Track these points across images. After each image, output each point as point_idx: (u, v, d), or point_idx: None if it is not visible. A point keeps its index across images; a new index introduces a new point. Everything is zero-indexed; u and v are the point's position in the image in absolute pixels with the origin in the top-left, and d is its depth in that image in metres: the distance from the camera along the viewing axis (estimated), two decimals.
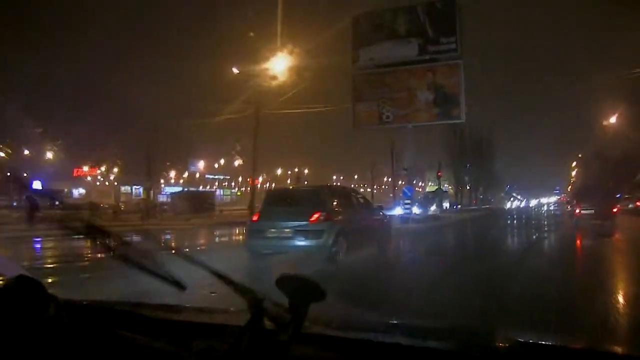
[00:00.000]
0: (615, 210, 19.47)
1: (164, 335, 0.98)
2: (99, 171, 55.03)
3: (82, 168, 54.89)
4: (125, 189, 64.46)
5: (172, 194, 44.26)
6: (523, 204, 48.58)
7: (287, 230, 8.71)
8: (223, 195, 73.30)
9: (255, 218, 9.78)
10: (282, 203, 9.56)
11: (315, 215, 8.74)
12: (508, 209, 39.04)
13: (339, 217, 9.08)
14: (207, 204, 36.87)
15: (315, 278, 0.93)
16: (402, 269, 8.70)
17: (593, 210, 18.98)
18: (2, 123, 21.44)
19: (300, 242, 8.60)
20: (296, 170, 66.71)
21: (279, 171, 71.98)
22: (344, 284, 6.34)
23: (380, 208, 12.24)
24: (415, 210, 30.14)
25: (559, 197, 38.68)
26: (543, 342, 1.04)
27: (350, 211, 9.75)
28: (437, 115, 25.01)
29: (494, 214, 34.71)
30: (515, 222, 25.72)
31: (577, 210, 20.03)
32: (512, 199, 59.25)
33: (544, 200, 61.04)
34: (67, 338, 0.84)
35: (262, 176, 63.18)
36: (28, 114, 21.62)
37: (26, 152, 39.09)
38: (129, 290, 3.64)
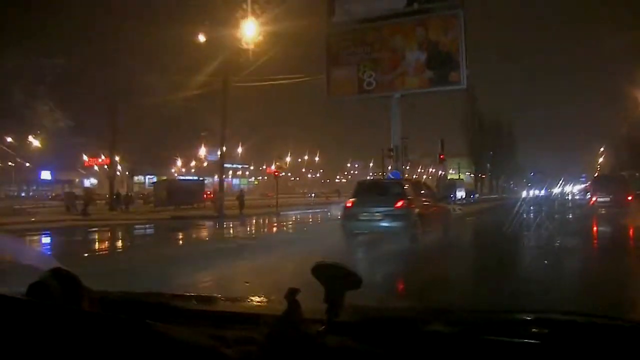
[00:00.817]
0: (630, 198, 20.73)
1: (198, 326, 1.00)
2: (101, 159, 52.22)
3: (96, 157, 52.63)
4: (138, 178, 63.04)
5: (153, 183, 40.63)
6: (543, 192, 43.37)
7: (377, 214, 10.71)
8: (240, 184, 71.24)
9: (349, 205, 11.37)
10: (371, 192, 11.77)
11: (400, 202, 10.70)
12: (524, 198, 35.57)
13: (416, 204, 11.03)
14: (197, 194, 33.61)
15: (351, 266, 0.94)
16: (462, 249, 10.26)
17: (609, 199, 20.85)
18: (10, 110, 20.27)
19: (387, 224, 10.57)
20: (306, 157, 64.21)
21: (289, 159, 68.69)
22: (423, 258, 8.51)
23: (473, 194, 20.96)
24: None
25: (585, 185, 35.84)
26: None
27: (423, 199, 11.76)
28: (430, 80, 19.88)
29: (506, 204, 29.02)
30: (528, 215, 18.79)
31: (594, 199, 22.08)
32: (528, 187, 55.84)
33: (568, 188, 57.71)
34: (101, 330, 0.84)
35: (274, 164, 61.20)
36: (36, 101, 19.13)
37: (35, 142, 37.02)
38: None
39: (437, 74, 19.57)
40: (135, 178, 61.54)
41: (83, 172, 55.64)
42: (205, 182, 48.05)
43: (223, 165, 25.65)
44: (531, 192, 46.32)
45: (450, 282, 5.87)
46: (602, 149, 61.76)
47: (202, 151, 55.77)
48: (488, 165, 58.41)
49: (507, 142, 60.26)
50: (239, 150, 49.29)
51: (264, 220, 22.86)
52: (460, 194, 41.35)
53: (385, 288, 5.42)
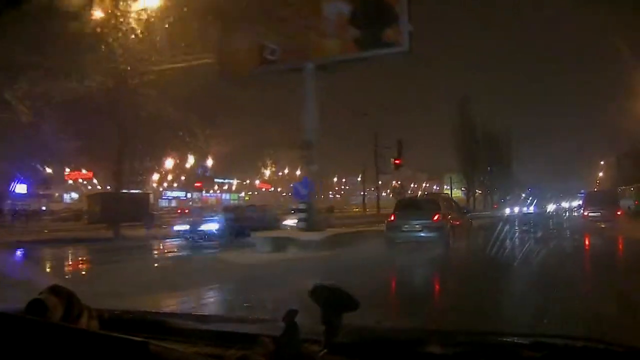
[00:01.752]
0: (619, 213, 23.94)
1: (196, 345, 1.04)
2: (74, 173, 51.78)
3: (78, 171, 52.38)
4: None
5: (89, 196, 37.93)
6: (533, 209, 43.55)
7: (417, 226, 13.37)
8: (230, 199, 71.14)
9: (392, 218, 14.41)
10: (410, 207, 14.84)
11: (436, 216, 13.34)
12: (511, 215, 36.39)
13: (449, 217, 13.85)
14: (143, 210, 30.58)
15: (347, 289, 0.98)
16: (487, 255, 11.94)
17: (599, 213, 23.59)
18: None
19: (426, 234, 13.15)
20: (286, 171, 64.15)
21: (267, 171, 68.84)
22: (455, 262, 11.73)
23: (467, 210, 19.73)
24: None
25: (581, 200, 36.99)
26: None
27: (453, 213, 14.57)
28: (356, 42, 14.80)
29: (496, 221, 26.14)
30: (517, 231, 20.71)
31: (585, 213, 25.93)
32: (522, 203, 56.04)
33: (565, 204, 58.17)
34: (98, 349, 0.87)
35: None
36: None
37: None
38: None
39: (365, 33, 14.50)
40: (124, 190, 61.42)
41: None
42: (188, 196, 47.08)
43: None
44: (524, 209, 46.96)
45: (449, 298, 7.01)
46: (602, 163, 62.76)
47: (190, 162, 55.43)
48: (482, 179, 58.46)
49: (504, 156, 60.21)
50: (209, 162, 48.35)
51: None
52: None
53: (392, 305, 6.50)
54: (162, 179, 60.00)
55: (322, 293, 0.97)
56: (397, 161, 24.29)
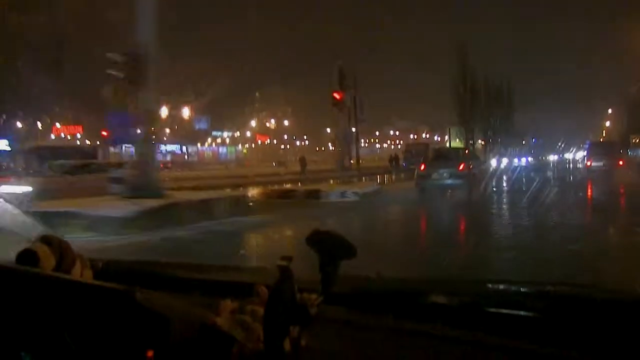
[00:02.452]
0: (621, 163, 27.31)
1: (190, 294, 1.07)
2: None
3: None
4: (116, 149, 62.88)
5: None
6: (528, 161, 43.90)
7: (445, 174, 16.98)
8: (227, 153, 71.14)
9: (422, 167, 18.11)
10: (439, 157, 18.82)
11: (462, 165, 17.33)
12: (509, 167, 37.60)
13: (471, 166, 17.94)
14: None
15: (346, 236, 0.98)
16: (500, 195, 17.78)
17: (602, 163, 26.79)
18: None
19: (452, 181, 16.95)
20: (273, 121, 63.71)
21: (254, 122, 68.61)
22: (476, 204, 14.64)
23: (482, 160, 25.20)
24: None
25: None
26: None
27: (474, 163, 19.12)
28: None
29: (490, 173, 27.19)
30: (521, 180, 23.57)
31: (588, 163, 28.88)
32: (520, 154, 55.71)
33: (569, 155, 58.58)
34: (91, 297, 0.89)
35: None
36: None
37: None
38: None
39: None
40: (112, 150, 61.37)
41: None
42: (188, 150, 47.07)
43: None
44: (515, 160, 46.95)
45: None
46: (609, 111, 62.11)
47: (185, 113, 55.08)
48: (484, 130, 56.70)
49: (506, 106, 58.57)
50: (186, 111, 47.24)
51: None
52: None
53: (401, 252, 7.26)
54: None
55: (319, 239, 0.98)
56: (337, 94, 19.90)
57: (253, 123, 70.79)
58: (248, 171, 41.36)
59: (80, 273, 1.05)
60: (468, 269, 5.65)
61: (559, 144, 62.80)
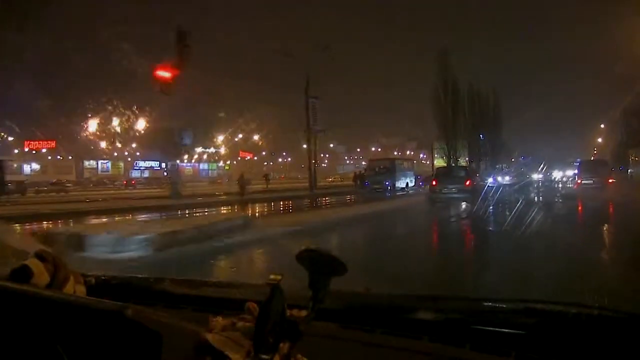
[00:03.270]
0: (610, 181, 29.23)
1: (181, 310, 1.11)
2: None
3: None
4: (90, 163, 62.70)
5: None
6: (500, 179, 43.19)
7: (453, 189, 21.50)
8: (209, 169, 71.07)
9: (434, 183, 22.93)
10: (447, 175, 23.48)
11: (468, 182, 22.06)
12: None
13: (475, 183, 22.76)
14: None
15: (335, 253, 1.03)
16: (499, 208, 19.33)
17: (592, 181, 29.17)
18: None
19: (460, 195, 21.03)
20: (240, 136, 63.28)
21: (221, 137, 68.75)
22: (480, 215, 16.20)
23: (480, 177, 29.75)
24: None
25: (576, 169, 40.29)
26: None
27: (477, 179, 24.81)
28: None
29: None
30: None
31: (579, 181, 31.84)
32: (504, 172, 53.90)
33: (558, 173, 58.88)
34: (84, 314, 0.93)
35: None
36: None
37: None
38: None
39: None
40: (87, 163, 61.01)
41: None
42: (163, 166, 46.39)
43: None
44: (507, 178, 46.35)
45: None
46: (602, 126, 62.71)
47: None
48: (469, 146, 54.45)
49: (491, 119, 57.07)
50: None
51: None
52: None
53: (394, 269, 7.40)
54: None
55: (310, 257, 1.03)
56: (163, 71, 14.02)
57: (237, 138, 70.82)
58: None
59: (73, 289, 1.10)
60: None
61: (554, 163, 63.29)
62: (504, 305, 1.23)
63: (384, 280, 5.85)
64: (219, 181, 49.08)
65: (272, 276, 1.00)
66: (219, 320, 1.02)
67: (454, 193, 21.58)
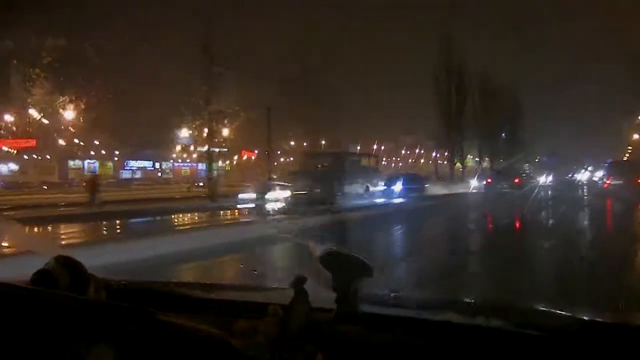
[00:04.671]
0: (639, 181, 31.15)
1: (204, 315, 1.19)
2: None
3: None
4: (75, 163, 63.09)
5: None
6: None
7: (505, 185, 33.15)
8: (206, 169, 71.16)
9: (489, 180, 35.78)
10: (500, 173, 38.14)
11: (517, 179, 35.01)
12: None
13: (525, 179, 37.27)
14: None
15: (362, 256, 1.13)
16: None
17: (622, 182, 31.65)
18: None
19: (511, 190, 31.14)
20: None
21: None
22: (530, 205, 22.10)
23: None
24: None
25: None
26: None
27: (525, 178, 38.56)
28: None
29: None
30: None
31: (608, 182, 34.42)
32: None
33: (582, 175, 60.04)
34: (105, 319, 1.02)
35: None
36: None
37: None
38: None
39: None
40: (72, 163, 61.56)
41: None
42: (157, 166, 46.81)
43: None
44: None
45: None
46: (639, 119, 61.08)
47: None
48: (482, 145, 53.43)
49: (511, 112, 55.58)
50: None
51: None
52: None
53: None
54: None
55: (334, 259, 1.13)
56: None
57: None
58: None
59: (94, 293, 1.21)
60: None
61: (580, 164, 62.75)
62: (540, 313, 1.30)
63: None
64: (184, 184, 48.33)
65: (295, 278, 1.10)
66: (242, 324, 1.09)
67: (506, 188, 31.86)
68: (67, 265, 1.19)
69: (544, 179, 46.02)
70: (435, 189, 36.40)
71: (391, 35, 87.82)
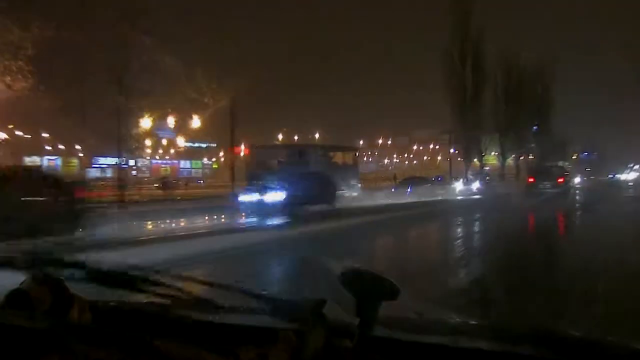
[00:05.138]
0: None
1: (205, 341, 1.17)
2: None
3: None
4: (33, 159, 63.48)
5: None
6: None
7: (548, 185, 40.61)
8: (192, 167, 71.64)
9: (531, 180, 42.41)
10: (543, 172, 43.72)
11: (561, 179, 42.85)
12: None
13: (568, 178, 47.83)
14: None
15: (388, 275, 1.14)
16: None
17: None
18: None
19: (555, 190, 39.62)
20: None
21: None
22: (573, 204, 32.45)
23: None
24: None
25: None
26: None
27: (568, 176, 49.09)
28: None
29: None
30: None
31: None
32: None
33: (626, 175, 60.02)
34: (91, 344, 1.01)
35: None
36: None
37: None
38: None
39: None
40: (28, 159, 61.73)
41: None
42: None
43: None
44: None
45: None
46: None
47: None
48: (503, 138, 52.13)
49: (541, 99, 54.96)
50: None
51: None
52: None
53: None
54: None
55: (356, 278, 1.13)
56: None
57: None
58: None
59: (78, 316, 1.20)
60: None
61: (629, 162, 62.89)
62: (580, 340, 1.30)
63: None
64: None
65: (312, 300, 1.11)
66: (249, 352, 1.10)
67: (549, 188, 38.63)
68: (47, 284, 1.19)
69: (579, 179, 53.65)
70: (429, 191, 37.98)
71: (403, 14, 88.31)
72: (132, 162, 64.46)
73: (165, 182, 45.75)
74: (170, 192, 42.78)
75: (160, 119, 46.79)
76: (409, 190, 39.07)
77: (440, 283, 8.54)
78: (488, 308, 6.97)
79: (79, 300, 1.23)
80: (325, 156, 31.05)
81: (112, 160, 61.86)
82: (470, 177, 48.78)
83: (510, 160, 57.68)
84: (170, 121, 50.87)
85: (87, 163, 65.02)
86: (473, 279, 9.28)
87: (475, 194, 42.70)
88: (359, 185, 32.97)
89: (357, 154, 37.97)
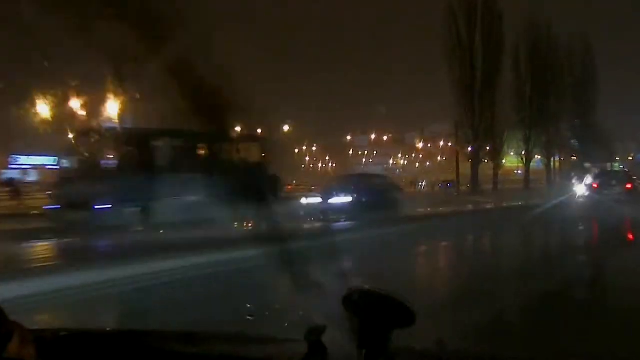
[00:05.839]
0: None
1: None
2: None
3: None
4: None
5: None
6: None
7: (614, 191, 43.31)
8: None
9: (595, 186, 46.25)
10: (607, 178, 48.23)
11: (629, 185, 45.18)
12: None
13: (636, 184, 47.68)
14: None
15: (403, 295, 1.14)
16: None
17: None
18: None
19: (622, 196, 41.27)
20: None
21: None
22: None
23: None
24: None
25: None
26: None
27: (636, 182, 49.32)
28: None
29: None
30: None
31: None
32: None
33: None
34: None
35: None
36: None
37: None
38: None
39: None
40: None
41: None
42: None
43: None
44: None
45: None
46: None
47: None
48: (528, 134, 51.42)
49: (580, 87, 54.58)
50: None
51: None
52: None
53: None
54: None
55: (362, 301, 1.12)
56: None
57: None
58: None
59: (17, 350, 1.20)
60: None
61: None
62: None
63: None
64: None
65: (310, 328, 1.12)
66: None
67: (616, 193, 40.80)
68: None
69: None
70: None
71: None
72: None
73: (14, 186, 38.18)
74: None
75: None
76: None
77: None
78: None
79: (20, 331, 1.21)
80: (191, 147, 24.10)
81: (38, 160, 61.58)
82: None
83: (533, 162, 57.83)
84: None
85: (4, 163, 64.36)
86: None
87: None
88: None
89: (263, 144, 25.83)
